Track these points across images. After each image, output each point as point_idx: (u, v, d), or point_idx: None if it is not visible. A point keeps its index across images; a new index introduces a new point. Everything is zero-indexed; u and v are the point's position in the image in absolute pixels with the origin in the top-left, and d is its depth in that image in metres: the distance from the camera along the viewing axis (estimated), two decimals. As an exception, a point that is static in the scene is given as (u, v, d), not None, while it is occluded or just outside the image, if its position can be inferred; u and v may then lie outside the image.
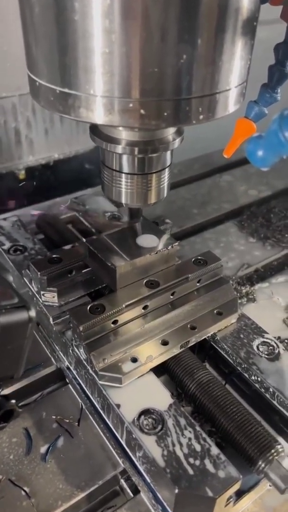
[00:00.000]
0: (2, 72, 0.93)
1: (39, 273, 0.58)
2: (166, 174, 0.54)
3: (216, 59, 0.40)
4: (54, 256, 0.61)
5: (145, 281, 0.58)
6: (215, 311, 0.59)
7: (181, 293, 0.59)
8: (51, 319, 0.59)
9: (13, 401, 0.48)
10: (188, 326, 0.57)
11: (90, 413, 0.58)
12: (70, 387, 0.62)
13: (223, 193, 1.02)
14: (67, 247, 0.64)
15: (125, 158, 0.51)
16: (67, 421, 0.58)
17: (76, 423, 0.58)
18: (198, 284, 0.60)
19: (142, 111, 0.40)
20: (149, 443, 0.46)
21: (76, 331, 0.53)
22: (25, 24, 0.43)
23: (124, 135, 0.49)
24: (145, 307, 0.56)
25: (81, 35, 0.38)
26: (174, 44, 0.38)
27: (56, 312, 0.59)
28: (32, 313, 0.40)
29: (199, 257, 0.62)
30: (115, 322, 0.54)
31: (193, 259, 0.62)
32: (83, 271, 0.61)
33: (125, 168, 0.52)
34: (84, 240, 0.59)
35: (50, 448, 0.55)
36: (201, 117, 0.42)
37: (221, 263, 0.62)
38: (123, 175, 0.52)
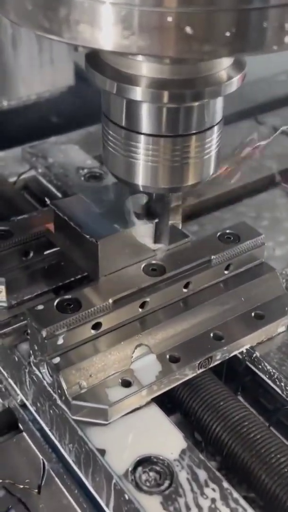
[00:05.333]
0: None
1: (-23, 252, 0.61)
2: (214, 137, 0.55)
3: None
4: (0, 228, 0.64)
5: (143, 265, 0.61)
6: (252, 314, 0.62)
7: (200, 285, 0.62)
8: (-5, 327, 0.62)
9: None
10: (211, 335, 0.60)
11: (56, 474, 0.61)
12: (25, 436, 0.65)
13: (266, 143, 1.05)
14: (21, 217, 0.67)
15: (146, 108, 0.51)
16: (21, 487, 0.60)
17: (35, 490, 0.60)
18: (226, 271, 0.64)
19: (187, 30, 0.39)
20: (151, 506, 0.49)
21: (37, 339, 0.55)
22: None
23: (145, 69, 0.49)
24: (143, 305, 0.59)
25: None
26: None
27: (4, 316, 0.62)
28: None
29: (228, 231, 0.65)
30: (96, 326, 0.57)
31: (218, 234, 0.65)
32: (46, 252, 0.64)
33: (146, 126, 0.52)
34: (48, 201, 0.62)
35: (-5, 527, 0.58)
36: (287, 39, 0.41)
37: (262, 240, 0.65)
38: (142, 137, 0.53)
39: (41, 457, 0.62)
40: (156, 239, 0.62)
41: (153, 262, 0.62)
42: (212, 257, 0.62)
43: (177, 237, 0.64)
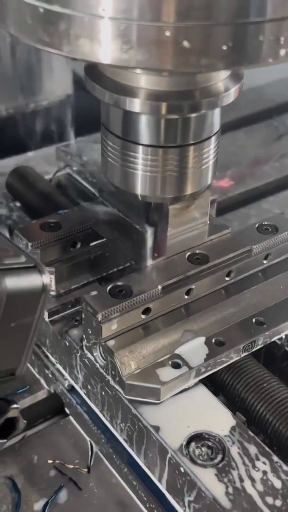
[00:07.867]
0: None
1: (29, 243, 0.64)
2: (211, 147, 0.57)
3: None
4: (50, 220, 0.67)
5: (188, 254, 0.64)
6: (291, 301, 0.66)
7: (241, 273, 0.65)
8: (46, 314, 0.65)
9: (16, 405, 0.53)
10: (253, 320, 0.63)
11: (105, 454, 0.64)
12: (71, 419, 0.68)
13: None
14: (69, 210, 0.70)
15: (144, 120, 0.53)
16: (71, 466, 0.63)
17: (85, 470, 0.63)
18: (265, 261, 0.67)
19: (185, 44, 0.41)
20: (206, 478, 0.52)
21: (91, 323, 0.58)
22: None
23: (144, 81, 0.51)
24: (188, 292, 0.62)
25: None
26: None
27: (53, 304, 0.65)
28: (46, 278, 0.46)
29: (266, 223, 0.68)
30: (146, 311, 0.60)
31: (257, 225, 0.68)
32: (93, 243, 0.68)
33: (144, 137, 0.54)
34: (97, 194, 0.66)
35: (49, 504, 0.60)
36: (282, 52, 0.43)
37: (298, 231, 0.68)
38: (140, 148, 0.55)
39: (88, 439, 0.66)
40: (155, 248, 0.65)
41: (197, 251, 0.65)
42: (253, 246, 0.66)
43: (219, 228, 0.67)
